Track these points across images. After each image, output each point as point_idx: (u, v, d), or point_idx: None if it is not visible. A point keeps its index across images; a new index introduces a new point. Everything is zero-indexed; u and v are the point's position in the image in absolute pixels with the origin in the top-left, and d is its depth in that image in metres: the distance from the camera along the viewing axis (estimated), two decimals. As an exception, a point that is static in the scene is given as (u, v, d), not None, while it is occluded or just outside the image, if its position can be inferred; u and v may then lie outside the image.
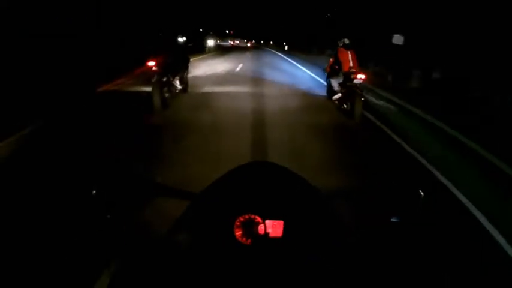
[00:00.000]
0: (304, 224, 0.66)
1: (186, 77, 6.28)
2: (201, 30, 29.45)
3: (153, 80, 4.89)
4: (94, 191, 0.68)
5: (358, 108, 4.52)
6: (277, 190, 0.73)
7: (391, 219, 0.70)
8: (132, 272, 1.44)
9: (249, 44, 50.41)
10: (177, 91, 5.78)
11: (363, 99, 4.59)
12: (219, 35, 43.35)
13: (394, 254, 1.85)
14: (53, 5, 7.86)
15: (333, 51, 5.40)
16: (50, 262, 1.64)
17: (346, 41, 5.13)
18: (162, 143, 3.47)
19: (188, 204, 0.71)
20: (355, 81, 4.62)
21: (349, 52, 5.04)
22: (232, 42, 46.51)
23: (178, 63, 5.72)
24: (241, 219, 0.64)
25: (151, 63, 4.96)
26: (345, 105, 4.87)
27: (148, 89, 5.06)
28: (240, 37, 55.78)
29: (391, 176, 2.71)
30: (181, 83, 5.90)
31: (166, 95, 5.14)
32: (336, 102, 5.29)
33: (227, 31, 57.41)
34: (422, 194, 0.71)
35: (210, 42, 25.40)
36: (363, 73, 4.65)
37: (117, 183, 0.72)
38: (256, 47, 39.79)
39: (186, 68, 6.23)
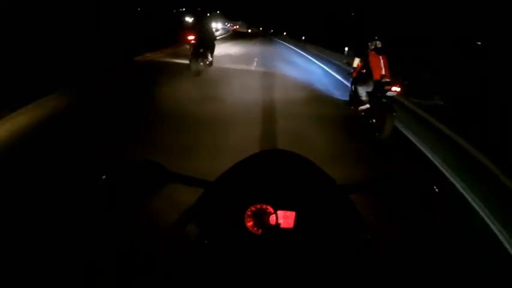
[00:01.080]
0: (317, 216, 0.63)
1: (213, 53, 7.09)
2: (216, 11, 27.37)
3: (191, 51, 6.03)
4: (104, 176, 0.66)
5: (389, 124, 3.93)
6: (291, 180, 0.70)
7: (404, 214, 0.70)
8: (142, 260, 1.45)
9: (249, 31, 44.92)
10: (208, 63, 6.76)
11: (395, 113, 4.01)
12: (229, 18, 41.15)
13: (406, 251, 1.76)
14: (53, 5, 7.48)
15: (363, 55, 4.71)
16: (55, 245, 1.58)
17: (379, 44, 4.46)
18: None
19: (200, 192, 0.70)
20: (389, 93, 4.01)
21: (381, 57, 4.38)
22: (235, 27, 42.39)
23: (209, 39, 6.65)
24: (253, 209, 0.62)
25: (191, 37, 5.97)
26: (374, 120, 4.26)
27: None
28: (252, 24, 52.30)
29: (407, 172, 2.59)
30: (211, 56, 6.89)
31: (201, 63, 6.27)
32: (362, 113, 4.69)
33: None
34: (437, 190, 0.69)
35: (217, 26, 22.63)
36: (399, 85, 4.01)
37: (128, 169, 0.70)
38: (261, 35, 30.92)
39: (213, 44, 7.08)
